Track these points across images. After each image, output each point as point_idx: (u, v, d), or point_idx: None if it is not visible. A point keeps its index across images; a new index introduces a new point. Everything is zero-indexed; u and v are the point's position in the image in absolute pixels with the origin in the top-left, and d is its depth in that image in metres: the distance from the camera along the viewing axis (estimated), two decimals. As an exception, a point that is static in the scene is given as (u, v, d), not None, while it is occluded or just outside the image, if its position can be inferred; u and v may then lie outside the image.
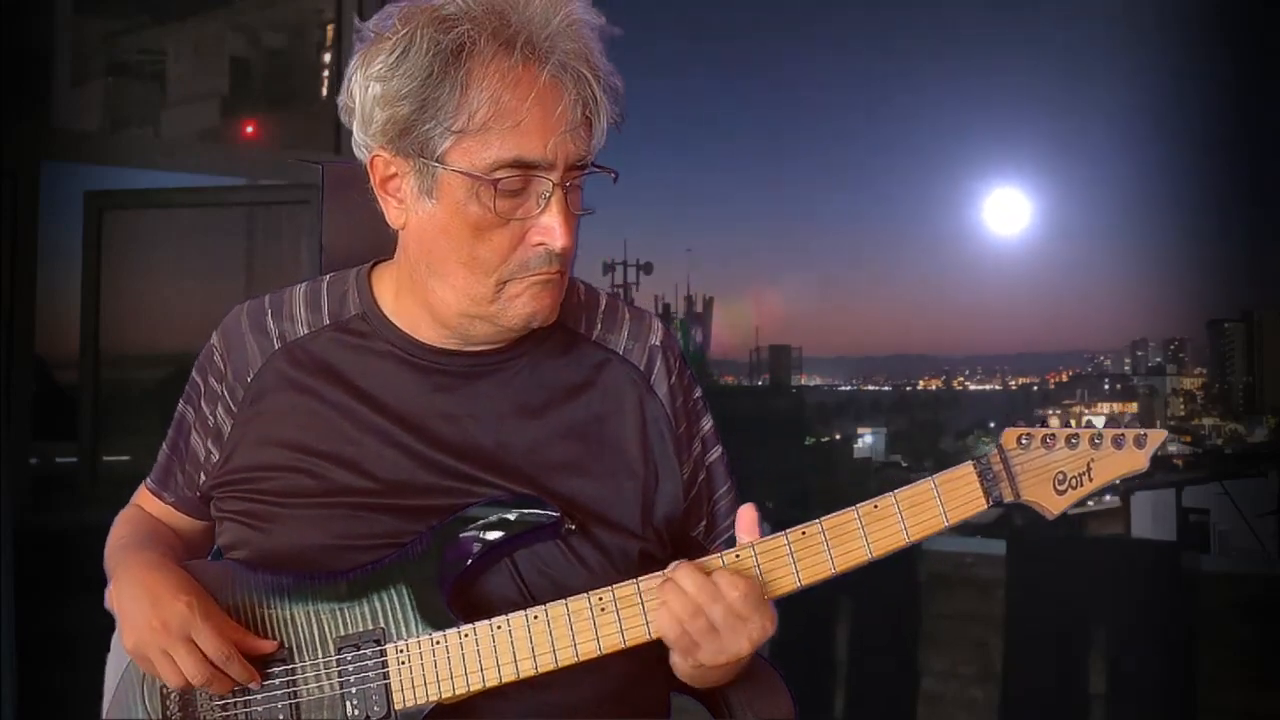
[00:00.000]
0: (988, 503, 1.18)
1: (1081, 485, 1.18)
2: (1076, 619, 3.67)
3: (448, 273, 1.22)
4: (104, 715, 1.33)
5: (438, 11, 1.17)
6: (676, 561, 1.18)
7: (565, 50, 1.16)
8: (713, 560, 1.19)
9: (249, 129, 4.72)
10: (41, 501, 3.67)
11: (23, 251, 3.54)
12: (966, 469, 1.19)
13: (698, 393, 1.38)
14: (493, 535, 1.22)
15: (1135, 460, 1.18)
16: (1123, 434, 1.18)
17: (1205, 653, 3.50)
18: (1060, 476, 1.18)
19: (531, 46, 1.15)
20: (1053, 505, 1.18)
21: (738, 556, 1.18)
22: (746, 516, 1.21)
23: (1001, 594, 3.77)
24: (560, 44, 1.16)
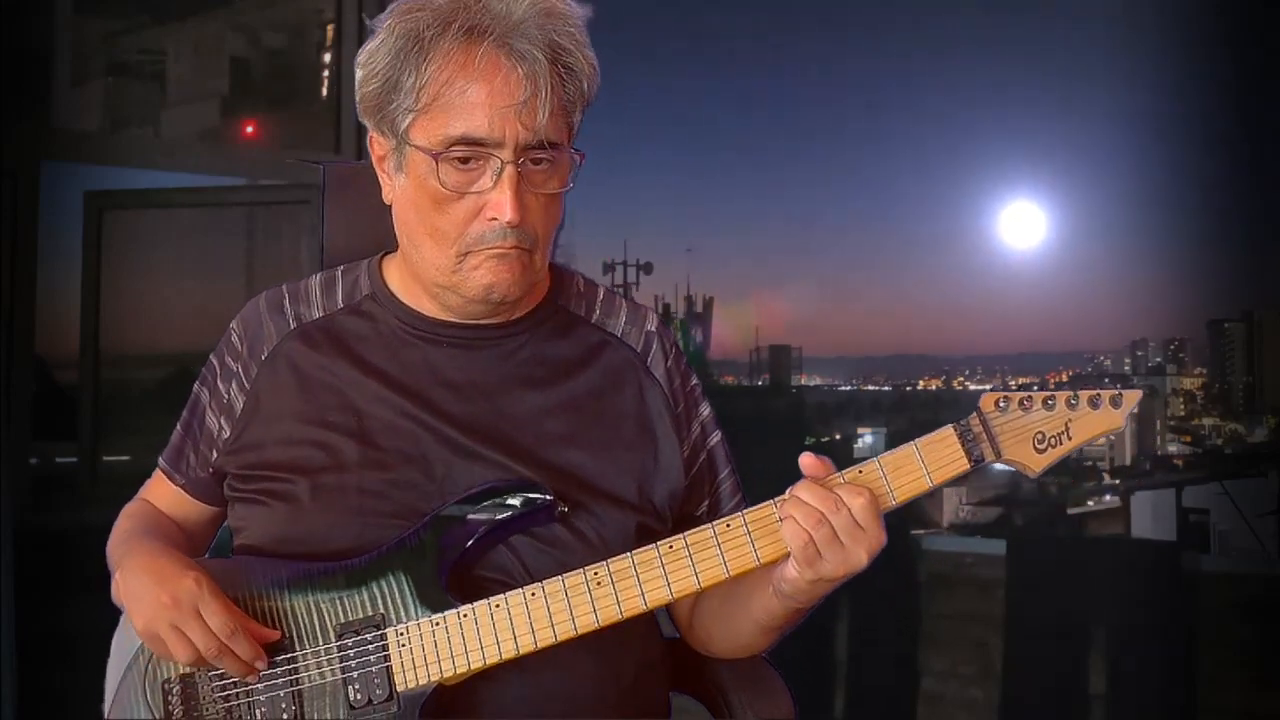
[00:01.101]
0: (969, 463, 1.20)
1: (1061, 444, 1.20)
2: (1076, 619, 3.67)
3: (418, 244, 1.29)
4: (106, 716, 1.33)
5: (414, 2, 1.25)
6: (795, 485, 1.20)
7: (520, 35, 1.22)
8: (833, 478, 1.21)
9: (249, 129, 4.71)
10: (41, 501, 3.66)
11: (23, 251, 3.54)
12: (946, 431, 1.21)
13: (694, 380, 1.42)
14: (489, 519, 1.24)
15: (1112, 419, 1.19)
16: (1098, 394, 1.19)
17: (1205, 653, 3.50)
18: (1039, 436, 1.20)
19: (482, 29, 1.22)
20: (1034, 464, 1.20)
21: (861, 472, 1.21)
22: (810, 459, 1.22)
23: (1001, 594, 3.78)
24: (519, 28, 1.22)
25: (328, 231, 1.57)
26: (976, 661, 3.82)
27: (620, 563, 1.21)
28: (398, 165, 1.29)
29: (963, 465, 1.20)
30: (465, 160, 1.23)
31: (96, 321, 3.90)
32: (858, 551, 1.18)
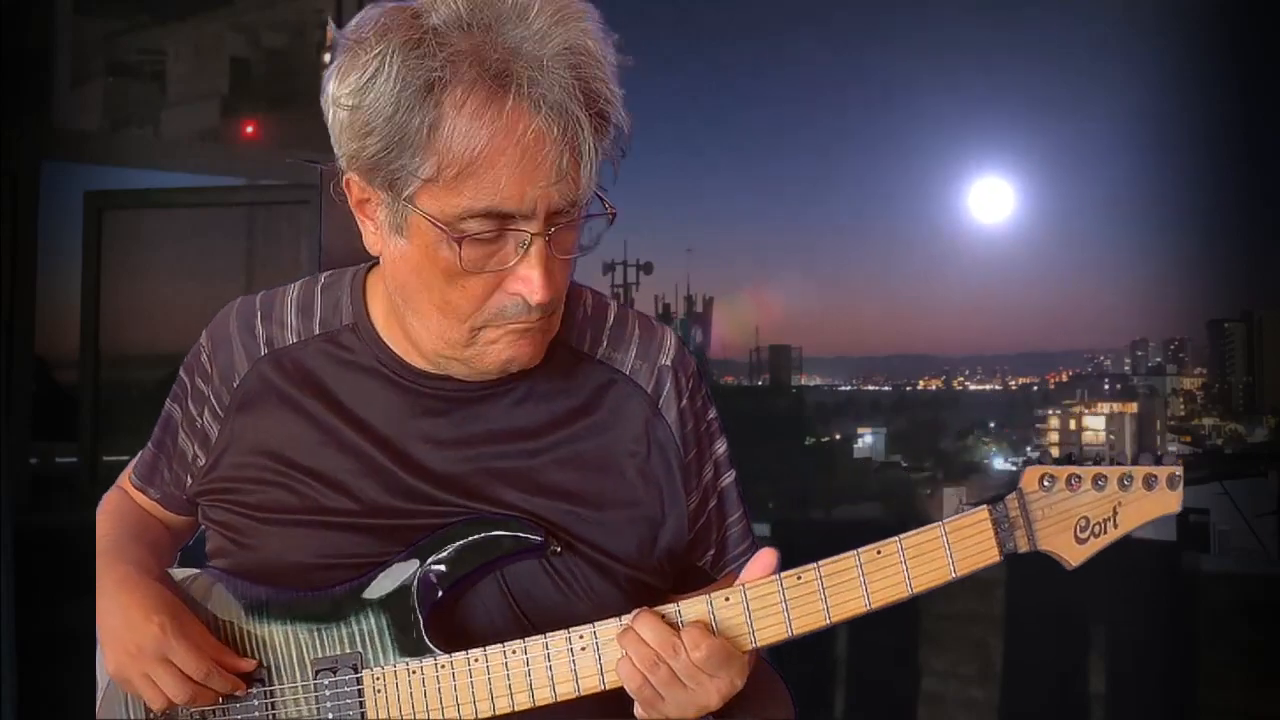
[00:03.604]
0: (1000, 554, 1.09)
1: (1105, 532, 1.10)
2: (1076, 619, 3.66)
3: (422, 313, 1.13)
4: (97, 713, 1.33)
5: (414, 28, 1.04)
6: (637, 609, 1.12)
7: (556, 86, 1.03)
8: (694, 605, 1.12)
9: (249, 129, 4.72)
10: (41, 501, 3.67)
11: (23, 251, 3.54)
12: (981, 515, 1.10)
13: (712, 414, 1.28)
14: (474, 557, 1.17)
15: (1167, 503, 1.09)
16: (1154, 474, 1.08)
17: (1205, 653, 3.50)
18: (1083, 523, 1.09)
19: (514, 82, 1.02)
20: (1072, 556, 1.09)
21: (728, 600, 1.12)
22: (762, 562, 1.13)
23: (1001, 594, 3.77)
24: (552, 76, 1.03)
25: (327, 232, 1.56)
26: (976, 661, 3.82)
27: (607, 628, 1.12)
28: (394, 225, 1.10)
29: (993, 556, 1.09)
30: (488, 236, 1.07)
31: (96, 321, 3.91)
32: (707, 694, 1.09)
